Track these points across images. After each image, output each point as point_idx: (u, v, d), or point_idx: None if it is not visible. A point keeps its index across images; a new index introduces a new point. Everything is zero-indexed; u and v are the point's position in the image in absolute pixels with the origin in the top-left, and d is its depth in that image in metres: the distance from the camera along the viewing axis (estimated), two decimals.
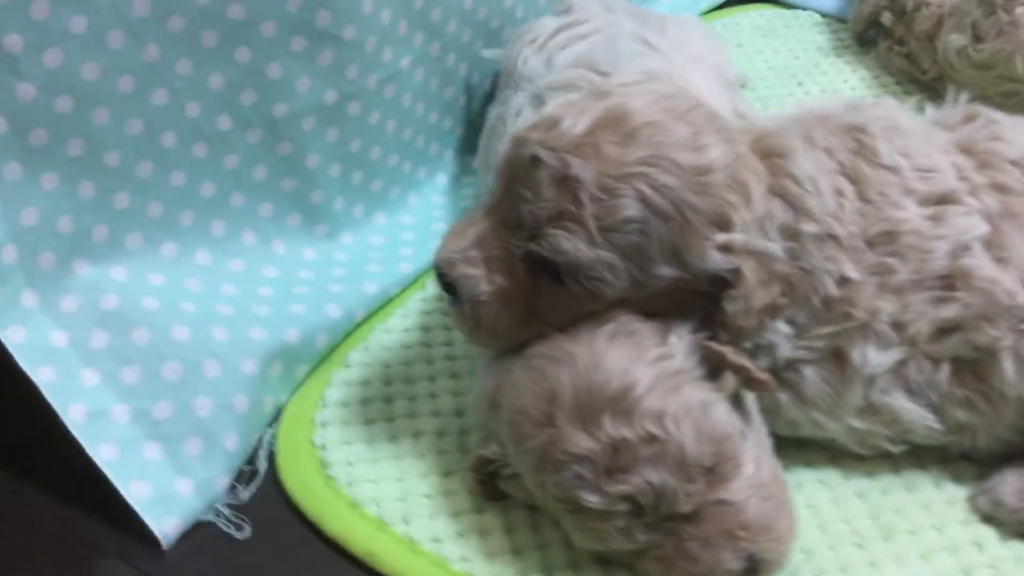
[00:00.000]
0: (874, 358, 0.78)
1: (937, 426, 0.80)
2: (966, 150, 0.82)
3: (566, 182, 0.71)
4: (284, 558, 0.83)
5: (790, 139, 0.79)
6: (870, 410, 0.81)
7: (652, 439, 0.69)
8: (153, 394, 0.86)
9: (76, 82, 0.82)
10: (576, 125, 0.73)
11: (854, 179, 0.79)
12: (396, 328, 1.02)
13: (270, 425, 0.92)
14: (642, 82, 0.78)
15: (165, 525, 0.83)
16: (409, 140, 1.12)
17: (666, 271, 0.74)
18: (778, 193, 0.77)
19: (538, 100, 1.00)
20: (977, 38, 1.21)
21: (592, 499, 0.70)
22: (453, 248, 0.78)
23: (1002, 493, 0.79)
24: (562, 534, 0.80)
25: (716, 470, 0.71)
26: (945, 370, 0.79)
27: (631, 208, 0.71)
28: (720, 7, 1.60)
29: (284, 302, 0.97)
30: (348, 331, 1.00)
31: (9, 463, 0.87)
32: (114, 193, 0.88)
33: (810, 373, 0.80)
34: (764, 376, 0.76)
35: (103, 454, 0.83)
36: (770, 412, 0.81)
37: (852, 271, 0.77)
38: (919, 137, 0.82)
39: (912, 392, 0.80)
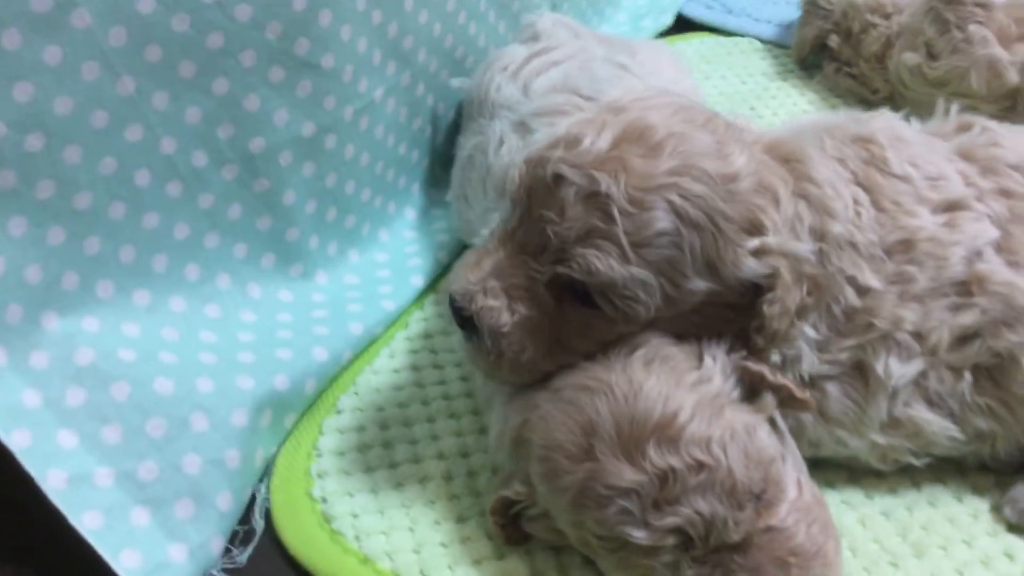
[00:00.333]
0: (897, 369, 0.77)
1: (959, 436, 0.80)
2: (967, 157, 0.82)
3: (594, 199, 0.69)
4: None
5: (804, 145, 0.78)
6: (893, 424, 0.80)
7: (700, 467, 0.66)
8: (137, 454, 0.79)
9: (48, 118, 0.76)
10: (598, 141, 0.70)
11: (868, 188, 0.78)
12: (384, 369, 0.97)
13: (261, 480, 0.86)
14: (655, 96, 0.76)
15: None
16: (381, 173, 1.08)
17: (699, 284, 0.71)
18: (802, 196, 0.76)
19: (523, 127, 0.98)
20: (931, 56, 1.24)
21: (639, 535, 0.67)
22: (470, 280, 0.74)
23: None
24: (593, 575, 0.77)
25: (763, 496, 0.69)
26: (966, 379, 0.79)
27: (663, 220, 0.69)
28: (661, 35, 1.61)
29: (268, 347, 0.91)
30: (335, 375, 0.95)
31: None
32: (84, 238, 0.81)
33: (833, 390, 0.79)
34: (805, 395, 0.74)
35: (87, 523, 0.76)
36: (793, 433, 0.79)
37: (873, 280, 0.77)
38: (923, 146, 0.82)
39: (933, 403, 0.79)
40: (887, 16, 1.32)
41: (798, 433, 0.79)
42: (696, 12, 1.64)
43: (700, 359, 0.72)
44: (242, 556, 0.81)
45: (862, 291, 0.77)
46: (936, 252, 0.78)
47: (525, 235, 0.73)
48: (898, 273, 0.77)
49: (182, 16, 0.82)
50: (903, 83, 1.29)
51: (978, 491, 0.83)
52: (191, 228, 0.90)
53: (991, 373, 0.79)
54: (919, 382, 0.79)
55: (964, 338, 0.78)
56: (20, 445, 0.75)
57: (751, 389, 0.73)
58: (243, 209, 0.93)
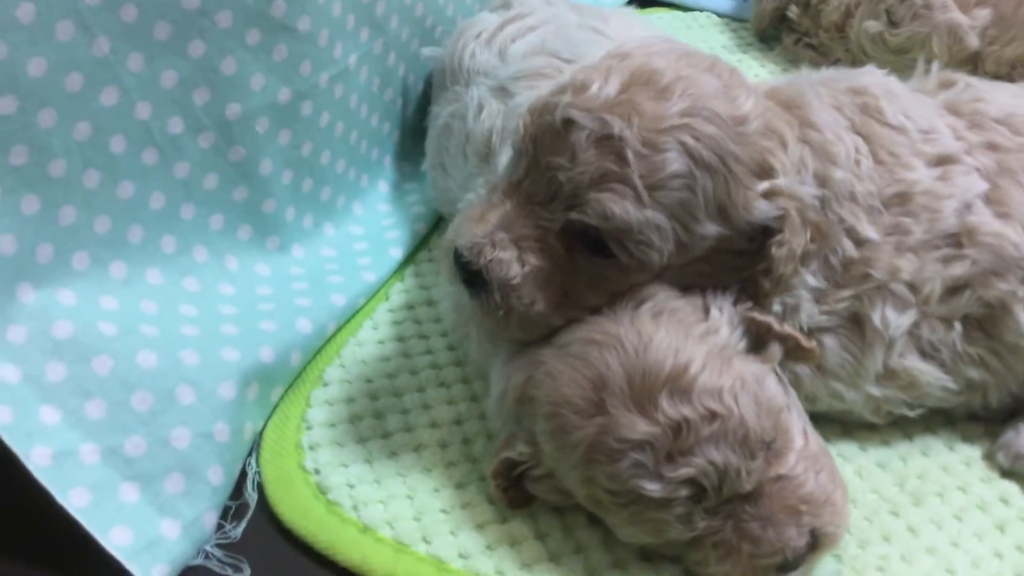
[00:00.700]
0: (894, 320, 0.78)
1: (952, 386, 0.81)
2: (954, 111, 0.83)
3: (607, 142, 0.68)
4: None
5: (803, 91, 0.78)
6: (888, 376, 0.80)
7: (713, 416, 0.66)
8: (123, 429, 0.76)
9: (21, 80, 0.72)
10: (607, 86, 0.69)
11: (866, 137, 0.79)
12: (369, 341, 0.95)
13: (249, 454, 0.84)
14: (658, 42, 0.75)
15: (154, 574, 0.73)
16: (354, 144, 1.06)
17: (711, 229, 0.71)
18: (804, 141, 0.76)
19: (502, 91, 0.96)
20: (892, 23, 1.26)
21: (653, 487, 0.66)
22: (476, 233, 0.72)
23: (1020, 446, 0.80)
24: (599, 535, 0.76)
25: (773, 445, 0.69)
26: (957, 329, 0.80)
27: (677, 162, 0.68)
28: None
29: (251, 320, 0.88)
30: (320, 347, 0.93)
31: None
32: (59, 207, 0.78)
33: (830, 342, 0.79)
34: (812, 344, 0.74)
35: (74, 500, 0.73)
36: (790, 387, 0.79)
37: (871, 231, 0.77)
38: (913, 100, 0.83)
39: (926, 354, 0.80)
40: None
41: (794, 386, 0.79)
42: None
43: (707, 311, 0.72)
44: (236, 530, 0.78)
45: (860, 242, 0.77)
46: (931, 205, 0.79)
47: (533, 184, 0.71)
48: (895, 225, 0.78)
49: None
50: (864, 51, 1.30)
51: (968, 440, 0.85)
52: (167, 198, 0.87)
53: (982, 323, 0.80)
54: (913, 332, 0.80)
55: (955, 289, 0.79)
56: (2, 421, 0.71)
57: (757, 340, 0.73)
58: (219, 179, 0.90)
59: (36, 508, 0.73)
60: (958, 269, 0.79)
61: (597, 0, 1.56)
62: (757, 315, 0.73)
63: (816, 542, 0.70)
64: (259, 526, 0.80)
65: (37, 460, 0.72)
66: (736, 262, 0.74)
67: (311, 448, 0.84)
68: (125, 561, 0.72)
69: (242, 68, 0.87)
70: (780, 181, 0.72)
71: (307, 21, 0.91)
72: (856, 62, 1.34)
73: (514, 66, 0.98)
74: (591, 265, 0.71)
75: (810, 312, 0.78)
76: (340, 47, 0.98)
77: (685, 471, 0.66)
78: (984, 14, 1.22)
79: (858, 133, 0.79)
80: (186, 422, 0.78)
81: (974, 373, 0.81)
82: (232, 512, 0.80)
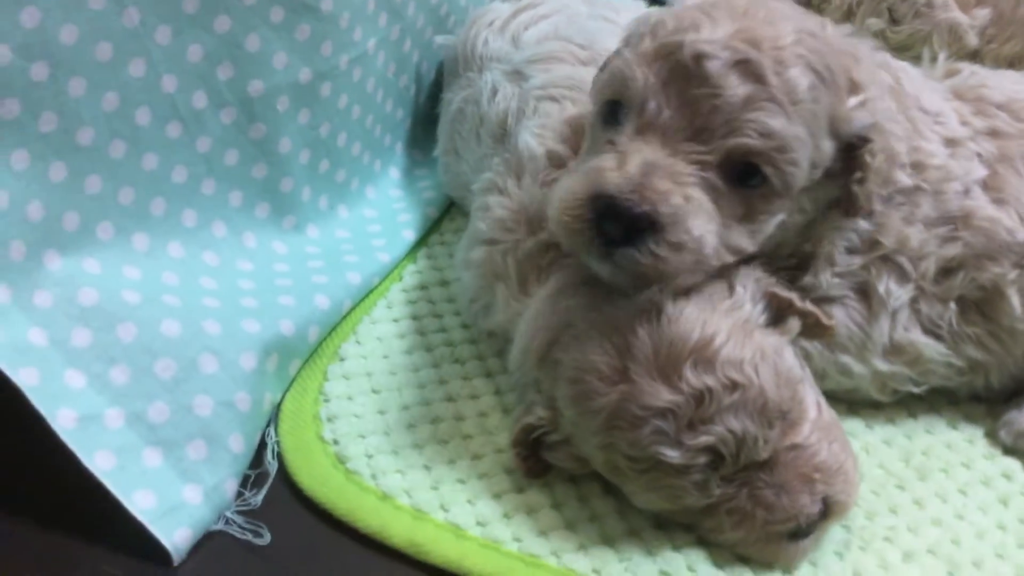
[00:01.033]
0: (895, 291, 0.81)
1: (957, 362, 0.83)
2: (960, 97, 0.86)
3: (744, 65, 0.68)
4: (311, 561, 0.76)
5: (856, 44, 0.79)
6: (895, 350, 0.83)
7: (735, 386, 0.68)
8: (147, 395, 0.77)
9: (53, 46, 0.73)
10: (717, 22, 0.70)
11: (897, 98, 0.80)
12: (383, 319, 0.96)
13: (268, 425, 0.85)
14: None
15: (175, 537, 0.74)
16: (370, 128, 1.08)
17: (827, 145, 0.72)
18: None
19: (517, 75, 0.98)
20: (894, 20, 1.28)
21: (672, 454, 0.68)
22: (623, 177, 0.67)
23: (1023, 424, 0.83)
24: (613, 504, 0.78)
25: (789, 415, 0.70)
26: (952, 309, 0.82)
27: (805, 76, 0.70)
28: None
29: (270, 294, 0.90)
30: (336, 323, 0.94)
31: None
32: (86, 176, 0.79)
33: (839, 313, 0.81)
34: (831, 321, 0.76)
35: (100, 463, 0.74)
36: None
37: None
38: (924, 82, 0.85)
39: (928, 330, 0.83)
40: None
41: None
42: None
43: (732, 288, 0.74)
44: (256, 498, 0.79)
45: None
46: (941, 182, 0.81)
47: (674, 121, 0.69)
48: (909, 192, 0.80)
49: None
50: None
51: (971, 419, 0.87)
52: (189, 172, 0.88)
53: (979, 306, 0.83)
54: (913, 307, 0.82)
55: (948, 270, 0.82)
56: (28, 383, 0.72)
57: (778, 313, 0.75)
58: (239, 155, 0.92)
59: (59, 472, 0.74)
60: (951, 250, 0.81)
61: None
62: (780, 291, 0.75)
63: (828, 510, 0.72)
64: (278, 494, 0.80)
65: (63, 423, 0.73)
66: (826, 189, 0.76)
67: (329, 420, 0.85)
68: (148, 524, 0.73)
69: (265, 46, 0.89)
70: (869, 93, 0.74)
71: (329, 2, 0.93)
72: None
73: (528, 51, 1.00)
74: (740, 197, 0.71)
75: (828, 279, 0.80)
76: (360, 30, 0.99)
77: (705, 439, 0.68)
78: (984, 13, 1.25)
79: (891, 92, 0.80)
80: (208, 390, 0.80)
81: (975, 353, 0.83)
82: (252, 480, 0.81)
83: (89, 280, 0.79)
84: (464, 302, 0.94)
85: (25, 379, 0.72)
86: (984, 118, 0.85)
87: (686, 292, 0.71)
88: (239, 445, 0.80)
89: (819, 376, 0.83)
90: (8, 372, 0.72)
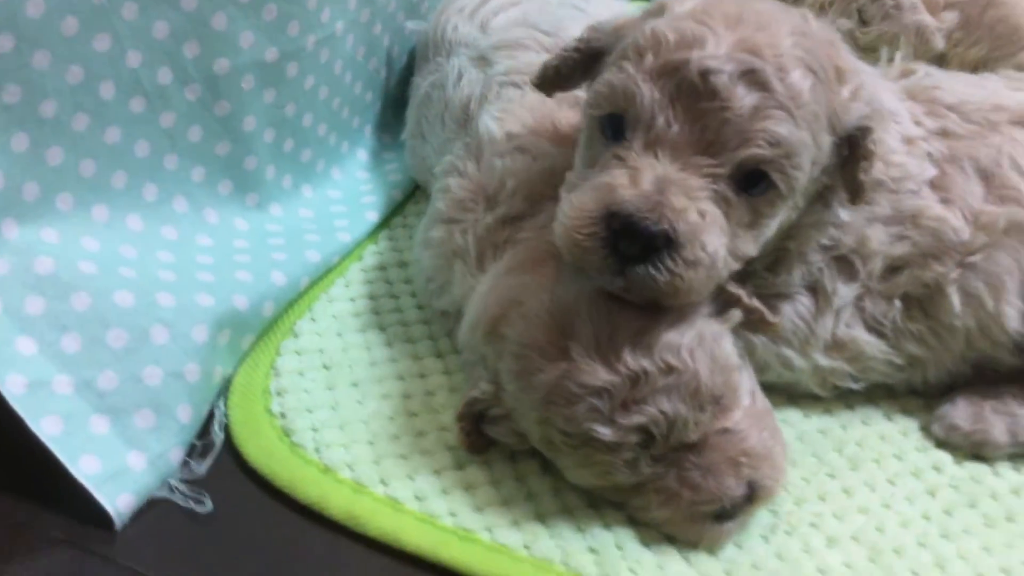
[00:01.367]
0: (841, 290, 0.83)
1: (896, 359, 0.85)
2: (913, 97, 0.88)
3: (750, 76, 0.70)
4: (250, 529, 0.78)
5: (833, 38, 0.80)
6: (836, 346, 0.84)
7: (670, 369, 0.70)
8: (97, 363, 0.79)
9: (20, 19, 0.75)
10: (718, 33, 0.71)
11: None
12: (340, 298, 0.98)
13: (218, 398, 0.87)
14: None
15: (118, 502, 0.77)
16: (337, 110, 1.09)
17: (826, 139, 0.74)
18: None
19: (482, 61, 1.00)
20: (863, 22, 1.30)
21: (605, 431, 0.70)
22: (639, 194, 0.68)
23: (955, 418, 0.85)
24: (550, 483, 0.80)
25: (722, 400, 0.72)
26: (896, 306, 0.84)
27: (806, 78, 0.71)
28: None
29: (226, 269, 0.91)
30: (292, 300, 0.96)
31: None
32: (47, 147, 0.81)
33: (787, 308, 0.83)
34: (776, 319, 0.78)
35: (46, 428, 0.76)
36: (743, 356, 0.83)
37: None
38: (880, 82, 0.87)
39: (871, 327, 0.85)
40: None
41: (748, 355, 0.83)
42: None
43: None
44: (201, 467, 0.81)
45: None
46: (900, 180, 0.83)
47: (683, 136, 0.70)
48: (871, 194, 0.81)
49: None
50: None
51: (907, 412, 0.89)
52: (151, 146, 0.89)
53: (922, 303, 0.84)
54: (858, 304, 0.84)
55: (894, 268, 0.84)
56: None
57: (724, 306, 0.77)
58: (203, 132, 0.93)
59: (7, 436, 0.76)
60: (899, 249, 0.83)
61: None
62: (730, 287, 0.77)
63: (753, 494, 0.74)
64: (224, 465, 0.82)
65: (11, 388, 0.75)
66: (817, 183, 0.78)
67: (278, 393, 0.87)
68: (92, 489, 0.76)
69: (232, 24, 0.90)
70: (857, 80, 0.75)
71: None
72: None
73: (495, 37, 1.02)
74: (747, 204, 0.72)
75: (798, 276, 0.82)
76: (328, 12, 1.01)
77: (637, 418, 0.70)
78: (951, 17, 1.26)
79: None
80: (158, 361, 0.81)
81: (915, 349, 0.85)
82: (199, 450, 0.83)
83: (46, 249, 0.80)
84: (420, 282, 0.96)
85: None
86: (935, 119, 0.87)
87: None
88: (187, 415, 0.82)
89: (761, 367, 0.85)
90: None
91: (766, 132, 0.70)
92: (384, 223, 1.10)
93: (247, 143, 0.97)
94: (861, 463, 0.84)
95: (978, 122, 0.86)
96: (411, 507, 0.78)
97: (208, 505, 0.78)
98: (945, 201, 0.84)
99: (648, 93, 0.70)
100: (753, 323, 0.79)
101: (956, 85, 0.89)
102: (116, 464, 0.77)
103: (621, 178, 0.70)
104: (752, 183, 0.72)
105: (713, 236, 0.70)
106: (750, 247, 0.75)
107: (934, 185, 0.84)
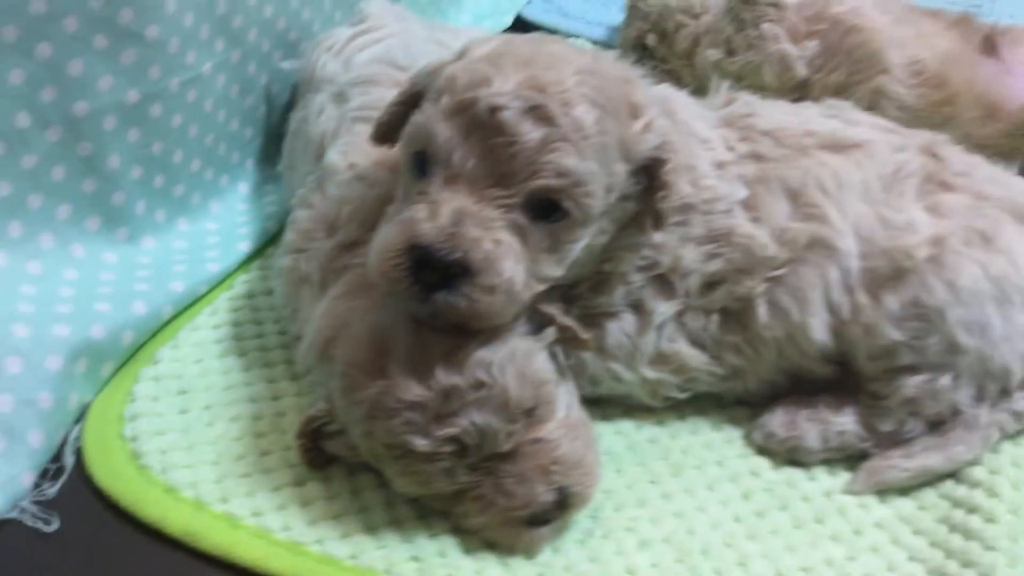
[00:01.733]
0: (661, 307, 0.88)
1: (718, 370, 0.90)
2: (729, 124, 0.94)
3: (536, 111, 0.74)
4: (94, 547, 0.81)
5: (629, 73, 0.85)
6: (660, 359, 0.90)
7: (480, 385, 0.75)
8: None
9: None
10: (504, 72, 0.75)
11: (673, 123, 0.87)
12: (205, 326, 1.02)
13: (76, 423, 0.91)
14: (492, 39, 0.83)
15: None
16: (211, 146, 1.14)
17: (620, 168, 0.79)
18: None
19: (340, 97, 1.05)
20: (730, 52, 1.36)
21: (421, 443, 0.74)
22: (439, 226, 0.73)
23: (772, 426, 0.90)
24: (383, 497, 0.84)
25: (534, 412, 0.77)
26: (715, 320, 0.89)
27: (591, 111, 0.76)
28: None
29: (87, 300, 0.95)
30: (155, 329, 1.00)
31: None
32: None
33: (612, 326, 0.88)
34: (587, 336, 0.83)
35: None
36: (575, 371, 0.88)
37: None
38: (693, 111, 0.93)
39: (693, 341, 0.90)
40: (696, 16, 1.44)
41: (579, 371, 0.89)
42: (534, 15, 1.75)
43: None
44: (51, 489, 0.85)
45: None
46: (710, 202, 0.88)
47: (479, 169, 0.74)
48: (682, 216, 0.87)
49: None
50: (707, 78, 1.40)
51: (735, 422, 0.94)
52: (13, 187, 0.93)
53: (737, 316, 0.90)
54: (679, 320, 0.89)
55: (711, 284, 0.89)
56: None
57: (541, 325, 0.82)
58: (67, 171, 0.97)
59: None
60: (714, 266, 0.88)
61: (478, 26, 1.66)
62: (544, 307, 0.82)
63: (565, 500, 0.78)
64: (76, 487, 0.86)
65: None
66: (624, 208, 0.83)
67: (132, 418, 0.91)
68: None
69: (89, 70, 0.95)
70: (651, 114, 0.80)
71: (155, 29, 0.99)
72: (702, 88, 1.44)
73: (353, 72, 1.07)
74: (544, 231, 0.77)
75: (620, 296, 0.87)
76: (193, 55, 1.05)
77: (450, 430, 0.74)
78: (812, 44, 1.33)
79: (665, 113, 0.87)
80: (11, 389, 0.85)
81: (734, 360, 0.90)
82: (51, 473, 0.86)
83: None
84: (280, 302, 1.00)
85: None
86: (748, 143, 0.92)
87: None
88: (38, 441, 0.86)
89: (593, 382, 0.90)
90: None
91: (553, 163, 0.75)
92: (259, 253, 1.14)
93: (113, 180, 1.01)
94: (683, 469, 0.88)
95: (790, 146, 0.92)
96: (248, 523, 0.82)
97: (55, 524, 0.82)
98: (755, 220, 0.89)
99: (444, 131, 0.75)
100: (568, 340, 0.83)
101: (773, 112, 0.95)
102: None
103: (422, 212, 0.75)
104: (548, 211, 0.77)
105: (508, 263, 0.74)
106: (553, 269, 0.79)
107: (746, 205, 0.90)
